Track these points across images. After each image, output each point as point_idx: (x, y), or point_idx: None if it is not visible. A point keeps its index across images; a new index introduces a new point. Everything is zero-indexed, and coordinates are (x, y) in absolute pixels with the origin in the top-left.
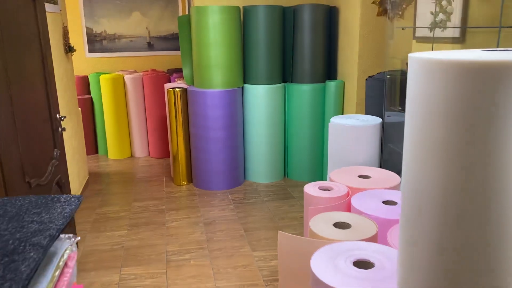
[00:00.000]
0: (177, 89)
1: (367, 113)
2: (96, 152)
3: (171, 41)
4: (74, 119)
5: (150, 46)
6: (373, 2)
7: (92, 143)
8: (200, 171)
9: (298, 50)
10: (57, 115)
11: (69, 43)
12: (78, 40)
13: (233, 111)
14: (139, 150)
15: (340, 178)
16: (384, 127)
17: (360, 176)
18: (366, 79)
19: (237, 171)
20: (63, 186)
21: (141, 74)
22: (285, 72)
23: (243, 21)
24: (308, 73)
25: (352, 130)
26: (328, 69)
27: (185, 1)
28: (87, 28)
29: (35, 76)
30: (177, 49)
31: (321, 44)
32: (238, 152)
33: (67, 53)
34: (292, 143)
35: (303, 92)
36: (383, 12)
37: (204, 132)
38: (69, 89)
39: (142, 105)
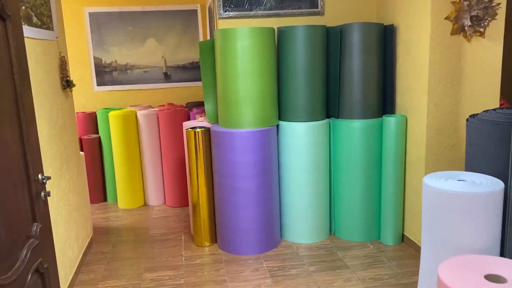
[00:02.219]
0: (198, 129)
1: (469, 168)
2: (105, 199)
3: (190, 71)
4: (73, 168)
5: (167, 77)
6: (447, 18)
7: (100, 190)
8: (227, 230)
9: (346, 78)
10: (39, 176)
11: (68, 76)
12: (85, 71)
13: (267, 155)
14: (154, 198)
15: (457, 279)
16: (509, 196)
17: (489, 278)
18: (467, 120)
19: (272, 229)
20: (45, 274)
21: (156, 109)
22: (329, 106)
23: (278, 45)
24: (359, 107)
25: (460, 199)
26: (383, 101)
27: (205, 25)
28: (95, 58)
29: (1, 122)
30: (198, 80)
31: (375, 71)
32: (274, 206)
33: (64, 88)
34: (340, 193)
35: (353, 130)
36: (459, 29)
37: (231, 182)
38: (66, 133)
39: (158, 146)
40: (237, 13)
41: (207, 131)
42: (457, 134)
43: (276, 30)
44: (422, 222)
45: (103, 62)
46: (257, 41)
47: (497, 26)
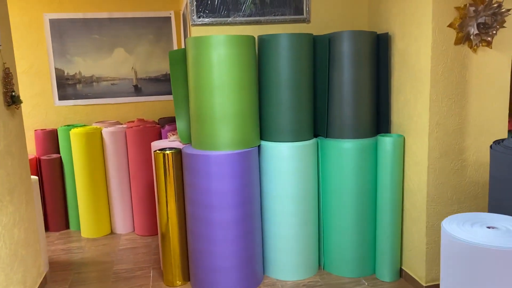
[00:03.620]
0: (167, 151)
1: (494, 209)
2: (67, 227)
3: (163, 84)
4: (20, 198)
5: (137, 90)
6: (450, 25)
7: (62, 216)
8: (201, 267)
9: (335, 93)
10: None
11: (13, 91)
12: (45, 84)
13: (248, 181)
14: (121, 225)
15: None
16: None
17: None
18: (491, 147)
19: (253, 265)
20: None
21: (125, 126)
22: (317, 124)
23: (259, 56)
24: (350, 125)
25: (496, 255)
26: (377, 118)
27: (180, 34)
28: (56, 69)
29: None
30: (171, 93)
31: (367, 85)
32: (255, 239)
33: (9, 105)
34: (330, 223)
35: (343, 151)
36: (464, 38)
37: (206, 213)
38: (11, 157)
39: (125, 167)
40: (213, 19)
41: (178, 154)
42: (462, 156)
43: (256, 39)
44: (440, 273)
45: (65, 73)
46: (236, 51)
47: (505, 35)
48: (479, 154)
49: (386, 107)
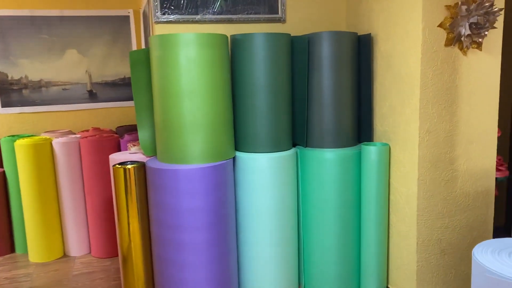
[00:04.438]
0: (129, 166)
1: None
2: (12, 250)
3: (121, 88)
4: None
5: (92, 96)
6: (440, 25)
7: (6, 239)
8: None
9: (314, 98)
10: None
11: None
12: None
13: (222, 198)
14: (76, 246)
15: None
16: None
17: None
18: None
19: None
20: None
21: (78, 136)
22: (296, 132)
23: (232, 57)
24: (331, 133)
25: None
26: (358, 126)
27: (140, 34)
28: None
29: None
30: (131, 98)
31: (349, 89)
32: (230, 262)
33: None
34: (311, 239)
35: (324, 162)
36: (454, 39)
37: (175, 235)
38: None
39: (80, 182)
40: (179, 16)
41: (141, 168)
42: (452, 166)
43: (229, 39)
44: None
45: (9, 78)
46: (207, 51)
47: (494, 37)
48: (469, 163)
49: (368, 114)
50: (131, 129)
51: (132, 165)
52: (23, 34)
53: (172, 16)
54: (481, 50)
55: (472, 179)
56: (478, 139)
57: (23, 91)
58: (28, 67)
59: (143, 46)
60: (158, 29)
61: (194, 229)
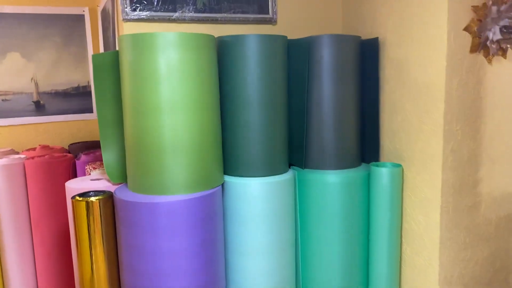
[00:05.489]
0: (93, 198)
1: None
2: None
3: (74, 99)
4: None
5: (39, 108)
6: (466, 29)
7: None
8: None
9: (313, 112)
10: None
11: None
12: None
13: (210, 235)
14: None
15: None
16: None
17: None
18: None
19: None
20: None
21: (23, 156)
22: (293, 151)
23: (218, 64)
24: (333, 152)
25: None
26: (363, 142)
27: (97, 36)
28: None
29: None
30: (86, 111)
31: (352, 102)
32: None
33: None
34: (312, 277)
35: (326, 186)
36: (480, 46)
37: (153, 284)
38: None
39: (25, 212)
40: (154, 14)
41: (108, 200)
42: (475, 190)
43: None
44: None
45: None
46: (192, 55)
47: None
48: (492, 187)
49: (375, 130)
50: (87, 147)
51: (97, 197)
52: None
53: (144, 13)
54: (505, 58)
55: (495, 203)
56: (501, 158)
57: None
58: None
59: (101, 50)
60: (128, 28)
61: (176, 276)
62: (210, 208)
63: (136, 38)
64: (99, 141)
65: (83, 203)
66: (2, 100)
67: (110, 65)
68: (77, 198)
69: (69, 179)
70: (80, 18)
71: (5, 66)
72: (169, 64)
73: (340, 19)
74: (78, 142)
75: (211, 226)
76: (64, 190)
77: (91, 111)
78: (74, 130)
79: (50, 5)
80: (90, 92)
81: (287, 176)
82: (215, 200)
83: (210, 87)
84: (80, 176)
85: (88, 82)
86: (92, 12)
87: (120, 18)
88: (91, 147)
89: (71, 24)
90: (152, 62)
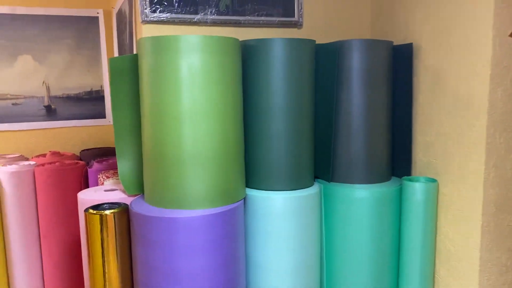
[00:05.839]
0: (107, 212)
1: None
2: None
3: (87, 104)
4: None
5: (50, 113)
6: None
7: None
8: None
9: (342, 121)
10: None
11: None
12: None
13: (232, 253)
14: None
15: None
16: None
17: None
18: None
19: None
20: None
21: (33, 163)
22: (318, 163)
23: (242, 69)
24: (362, 164)
25: None
26: (393, 155)
27: (112, 39)
28: None
29: None
30: (98, 116)
31: (383, 111)
32: None
33: None
34: None
35: (354, 201)
36: None
37: None
38: None
39: (34, 223)
40: (174, 16)
41: (123, 213)
42: None
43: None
44: None
45: None
46: (216, 59)
47: None
48: None
49: (407, 141)
50: (99, 154)
51: (112, 210)
52: None
53: (164, 15)
54: None
55: None
56: None
57: None
58: None
59: (115, 54)
60: (147, 30)
61: None
62: (232, 224)
63: (157, 41)
64: (111, 148)
65: (97, 217)
66: (13, 104)
67: (128, 69)
68: (91, 210)
69: (81, 188)
70: (94, 20)
71: (17, 69)
72: (191, 69)
73: (369, 23)
74: (90, 149)
75: (233, 243)
76: (75, 199)
77: (103, 116)
78: (85, 136)
79: (63, 7)
80: (103, 97)
81: (313, 190)
82: (237, 216)
83: (234, 94)
84: (92, 185)
85: (101, 86)
86: (107, 14)
87: (139, 20)
88: (104, 154)
89: (85, 27)
90: (173, 67)
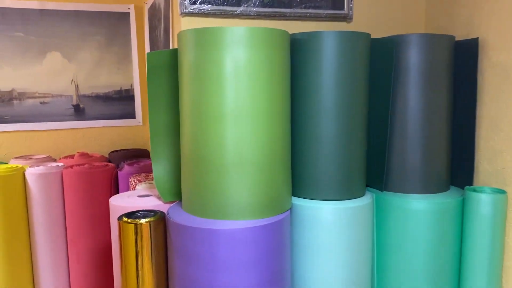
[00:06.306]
0: (143, 221)
1: None
2: None
3: (116, 103)
4: None
5: (79, 112)
6: None
7: None
8: None
9: (397, 123)
10: None
11: None
12: None
13: (277, 268)
14: None
15: None
16: None
17: None
18: None
19: None
20: None
21: (61, 165)
22: (370, 170)
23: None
24: (419, 172)
25: None
26: (456, 163)
27: (143, 35)
28: None
29: None
30: (128, 116)
31: (443, 114)
32: None
33: None
34: None
35: (410, 213)
36: None
37: None
38: None
39: (61, 227)
40: (215, 7)
41: (160, 223)
42: None
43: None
44: None
45: None
46: (264, 54)
47: None
48: None
49: (469, 148)
50: (129, 156)
51: (147, 219)
52: None
53: (204, 7)
54: None
55: None
56: None
57: None
58: None
59: (147, 51)
60: (185, 25)
61: None
62: (279, 238)
63: (200, 34)
64: (141, 149)
65: (132, 226)
66: (40, 102)
67: (167, 65)
68: (125, 219)
69: (111, 191)
70: (124, 16)
71: (45, 67)
72: (236, 64)
73: (423, 17)
74: (119, 150)
75: (279, 258)
76: (104, 203)
77: (133, 116)
78: (114, 136)
79: (93, 2)
80: (133, 96)
81: (366, 200)
82: (284, 228)
83: (282, 93)
84: (122, 189)
85: (131, 85)
86: (138, 9)
87: (177, 12)
88: (133, 156)
89: (115, 23)
90: (217, 62)
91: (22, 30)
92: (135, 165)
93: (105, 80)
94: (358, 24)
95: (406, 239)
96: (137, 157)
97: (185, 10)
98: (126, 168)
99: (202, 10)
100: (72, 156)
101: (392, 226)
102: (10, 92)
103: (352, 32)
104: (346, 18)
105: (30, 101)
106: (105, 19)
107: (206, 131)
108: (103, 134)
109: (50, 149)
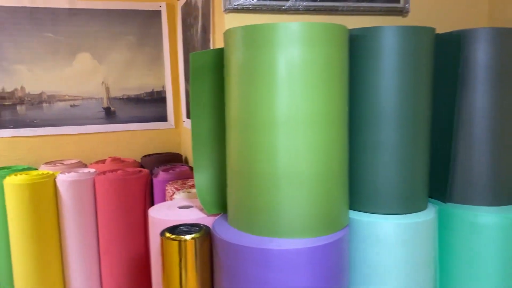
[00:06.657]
0: (188, 238)
1: None
2: None
3: (148, 106)
4: None
5: (110, 115)
6: None
7: None
8: None
9: (462, 128)
10: None
11: None
12: None
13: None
14: None
15: None
16: None
17: None
18: None
19: None
20: None
21: (92, 171)
22: (432, 179)
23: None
24: (487, 181)
25: None
26: None
27: (175, 34)
28: None
29: None
30: (160, 119)
31: None
32: None
33: None
34: None
35: (478, 227)
36: None
37: None
38: None
39: (93, 237)
40: (261, 2)
41: (206, 239)
42: None
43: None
44: None
45: (1, 89)
46: (321, 52)
47: None
48: None
49: None
50: (162, 161)
51: (192, 236)
52: (19, 32)
53: (250, 2)
54: None
55: None
56: None
57: (18, 107)
58: (25, 76)
59: (179, 51)
60: (229, 22)
61: None
62: (337, 258)
63: (249, 31)
64: (174, 153)
65: (175, 243)
66: (70, 105)
67: (212, 65)
68: (168, 235)
69: (145, 199)
70: (156, 14)
71: (75, 68)
72: (291, 64)
73: (486, 10)
74: (152, 154)
75: (337, 279)
76: (139, 212)
77: (165, 119)
78: (146, 140)
79: (123, 0)
80: (165, 98)
81: (430, 215)
82: (343, 247)
83: (341, 97)
84: (157, 196)
85: (163, 87)
86: (170, 7)
87: (220, 8)
88: (166, 161)
89: (146, 21)
90: (269, 62)
91: (51, 31)
92: (170, 171)
93: (136, 82)
94: (415, 18)
95: (473, 258)
96: (170, 161)
97: (229, 6)
98: (162, 174)
99: (248, 5)
100: (103, 161)
101: (457, 242)
102: (40, 95)
103: (416, 26)
104: (402, 12)
105: (61, 104)
106: (135, 18)
107: (256, 139)
108: (134, 138)
109: (80, 153)
